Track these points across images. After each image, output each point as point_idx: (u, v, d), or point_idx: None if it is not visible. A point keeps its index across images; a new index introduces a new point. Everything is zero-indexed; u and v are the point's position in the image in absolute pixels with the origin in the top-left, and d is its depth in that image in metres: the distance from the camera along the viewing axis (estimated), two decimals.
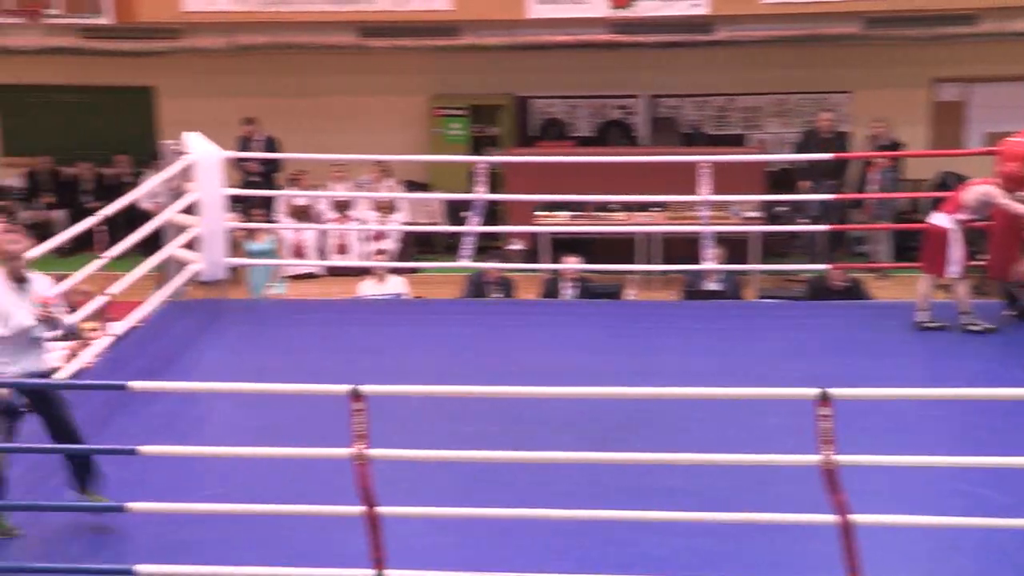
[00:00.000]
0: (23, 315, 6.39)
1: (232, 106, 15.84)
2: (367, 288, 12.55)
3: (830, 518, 5.49)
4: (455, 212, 15.13)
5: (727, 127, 16.66)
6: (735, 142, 16.41)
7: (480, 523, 6.19)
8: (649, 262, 13.75)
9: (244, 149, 14.72)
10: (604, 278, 12.70)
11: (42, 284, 6.58)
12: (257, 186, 14.13)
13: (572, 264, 11.69)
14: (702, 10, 14.89)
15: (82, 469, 6.56)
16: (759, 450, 6.01)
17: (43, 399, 6.47)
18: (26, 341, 6.44)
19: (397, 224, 15.17)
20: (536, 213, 14.41)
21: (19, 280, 6.52)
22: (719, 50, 15.56)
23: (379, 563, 5.61)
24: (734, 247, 12.33)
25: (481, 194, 10.56)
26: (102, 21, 15.35)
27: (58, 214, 16.08)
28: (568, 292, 11.63)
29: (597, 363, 8.73)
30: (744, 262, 13.08)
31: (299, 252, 14.68)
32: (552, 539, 6.21)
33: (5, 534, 6.37)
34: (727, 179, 10.80)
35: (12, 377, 6.35)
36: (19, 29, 15.42)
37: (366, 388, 5.43)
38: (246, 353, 9.56)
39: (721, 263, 11.16)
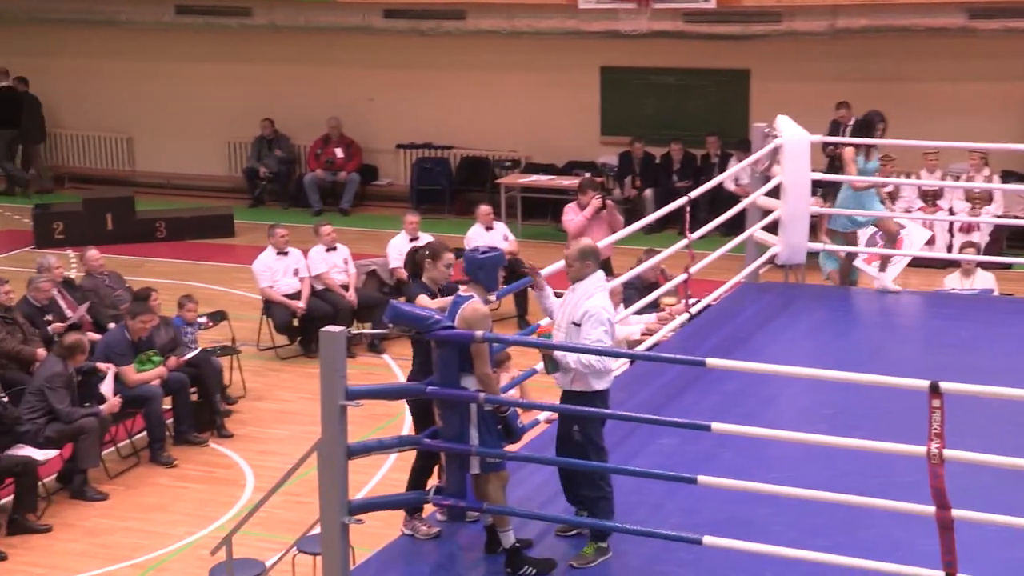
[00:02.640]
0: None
1: (824, 90, 15.73)
2: (952, 282, 12.06)
3: None
4: None
5: None
6: None
7: None
8: None
9: (834, 134, 14.56)
10: None
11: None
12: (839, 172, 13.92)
13: None
14: None
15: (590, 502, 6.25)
16: None
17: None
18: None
19: (990, 217, 14.40)
20: None
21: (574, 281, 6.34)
22: None
23: (950, 567, 5.36)
24: None
25: None
26: (706, 5, 15.78)
27: (647, 193, 16.75)
28: None
29: None
30: None
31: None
32: None
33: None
34: None
35: None
36: (630, 14, 16.19)
37: (947, 385, 5.19)
38: (819, 338, 9.49)
39: None
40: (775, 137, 10.23)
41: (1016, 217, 14.61)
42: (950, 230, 14.76)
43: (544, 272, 7.93)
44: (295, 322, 12.64)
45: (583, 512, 6.37)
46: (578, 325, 6.21)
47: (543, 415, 7.63)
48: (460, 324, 6.09)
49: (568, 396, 6.29)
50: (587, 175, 14.82)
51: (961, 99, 15.81)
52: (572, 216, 12.12)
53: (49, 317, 11.16)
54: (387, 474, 9.69)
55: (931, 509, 5.33)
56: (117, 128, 19.73)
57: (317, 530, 6.40)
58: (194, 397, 10.87)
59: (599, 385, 6.25)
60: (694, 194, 9.60)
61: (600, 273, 6.38)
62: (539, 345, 6.23)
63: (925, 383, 5.21)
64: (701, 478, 5.82)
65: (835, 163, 14.43)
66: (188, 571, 8.51)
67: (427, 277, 6.71)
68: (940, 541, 5.37)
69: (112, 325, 11.12)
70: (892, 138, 13.02)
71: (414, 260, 7.02)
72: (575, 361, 6.13)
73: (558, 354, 6.19)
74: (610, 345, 6.30)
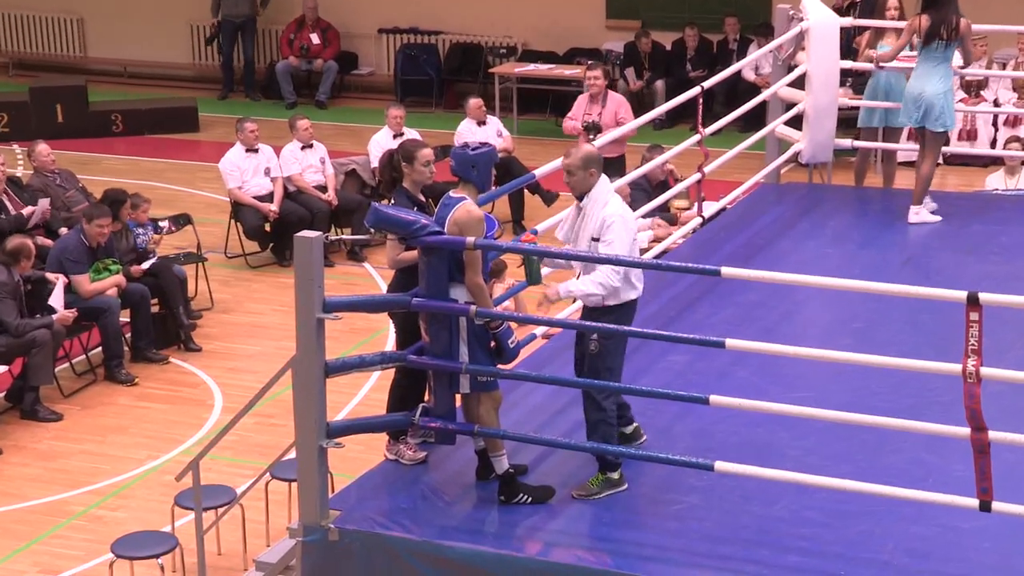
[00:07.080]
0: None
1: None
2: (995, 181, 12.05)
3: None
4: None
5: None
6: None
7: None
8: None
9: (849, 15, 14.39)
10: None
11: None
12: None
13: None
14: None
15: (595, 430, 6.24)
16: None
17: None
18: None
19: None
20: None
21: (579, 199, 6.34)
22: None
23: (986, 493, 5.41)
24: None
25: None
26: None
27: (658, 84, 16.62)
28: None
29: None
30: None
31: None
32: None
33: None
34: None
35: None
36: None
37: (987, 296, 5.18)
38: (846, 245, 9.49)
39: None
40: (800, 20, 10.13)
41: None
42: (994, 123, 14.68)
43: (542, 170, 7.88)
44: (267, 227, 12.61)
45: None
46: (599, 240, 6.15)
47: (539, 330, 7.64)
48: (451, 228, 6.07)
49: (592, 312, 6.23)
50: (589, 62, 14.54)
51: None
52: (571, 122, 11.95)
53: None
54: (369, 394, 9.74)
55: (966, 431, 5.36)
56: (66, 7, 19.50)
57: (292, 455, 6.44)
58: (156, 309, 10.86)
59: (631, 294, 6.22)
60: (708, 84, 9.53)
61: (605, 178, 6.34)
62: (535, 252, 6.21)
63: (962, 294, 5.21)
64: (714, 398, 5.84)
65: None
66: (152, 498, 8.58)
67: (408, 182, 6.63)
68: (975, 466, 5.41)
69: (64, 230, 11.07)
70: None
71: (391, 165, 6.88)
72: (596, 285, 6.08)
73: (577, 291, 6.16)
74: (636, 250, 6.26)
